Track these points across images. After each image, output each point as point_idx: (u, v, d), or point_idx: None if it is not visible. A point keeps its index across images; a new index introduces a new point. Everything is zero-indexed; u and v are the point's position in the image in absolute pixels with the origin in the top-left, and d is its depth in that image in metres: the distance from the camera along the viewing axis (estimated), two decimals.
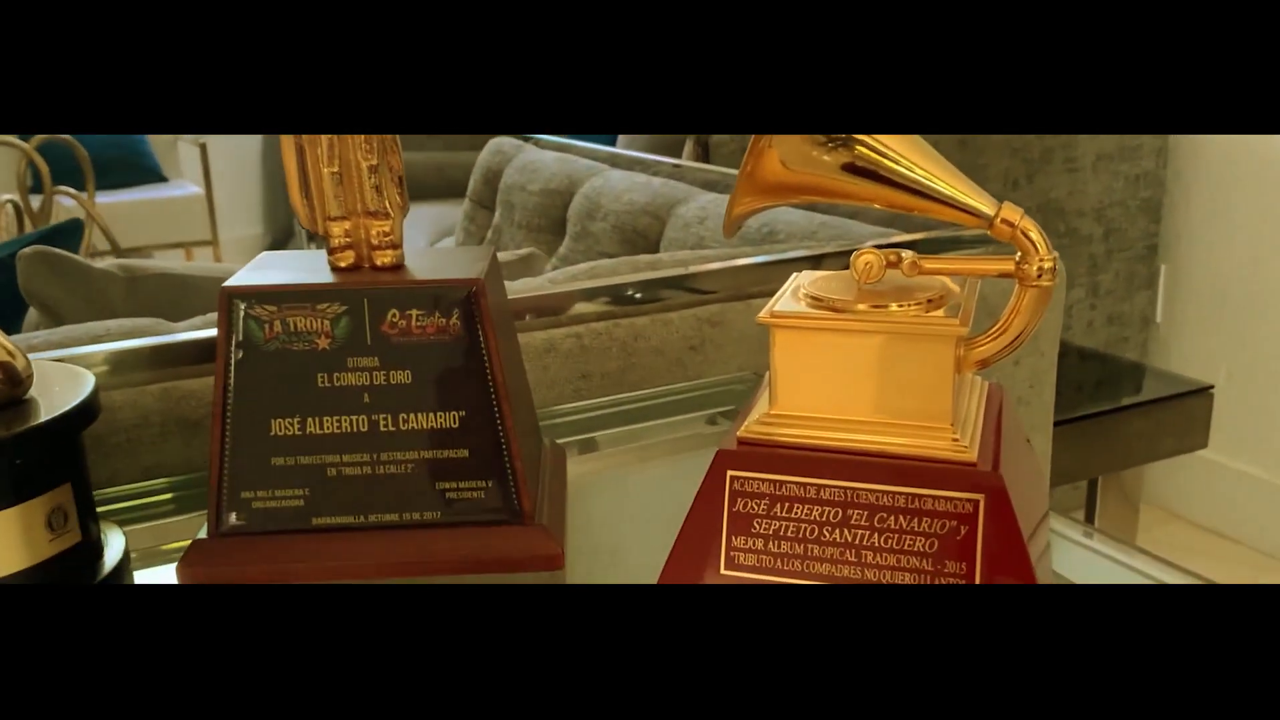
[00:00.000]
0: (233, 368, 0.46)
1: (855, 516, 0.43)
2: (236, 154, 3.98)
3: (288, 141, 0.47)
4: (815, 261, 0.78)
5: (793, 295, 0.45)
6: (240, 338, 0.47)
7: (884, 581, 0.42)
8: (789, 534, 0.43)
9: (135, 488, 0.57)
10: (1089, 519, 1.49)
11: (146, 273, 0.80)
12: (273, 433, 0.47)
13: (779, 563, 0.43)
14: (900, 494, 0.42)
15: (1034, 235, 0.42)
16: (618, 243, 1.19)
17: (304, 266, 0.49)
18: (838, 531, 0.43)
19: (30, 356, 0.48)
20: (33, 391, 0.47)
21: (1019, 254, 0.42)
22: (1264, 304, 2.05)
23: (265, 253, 0.52)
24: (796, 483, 0.43)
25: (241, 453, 0.47)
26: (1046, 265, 0.42)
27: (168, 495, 0.58)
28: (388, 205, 0.48)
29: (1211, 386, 1.51)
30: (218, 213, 3.55)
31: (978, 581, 0.41)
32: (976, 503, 0.41)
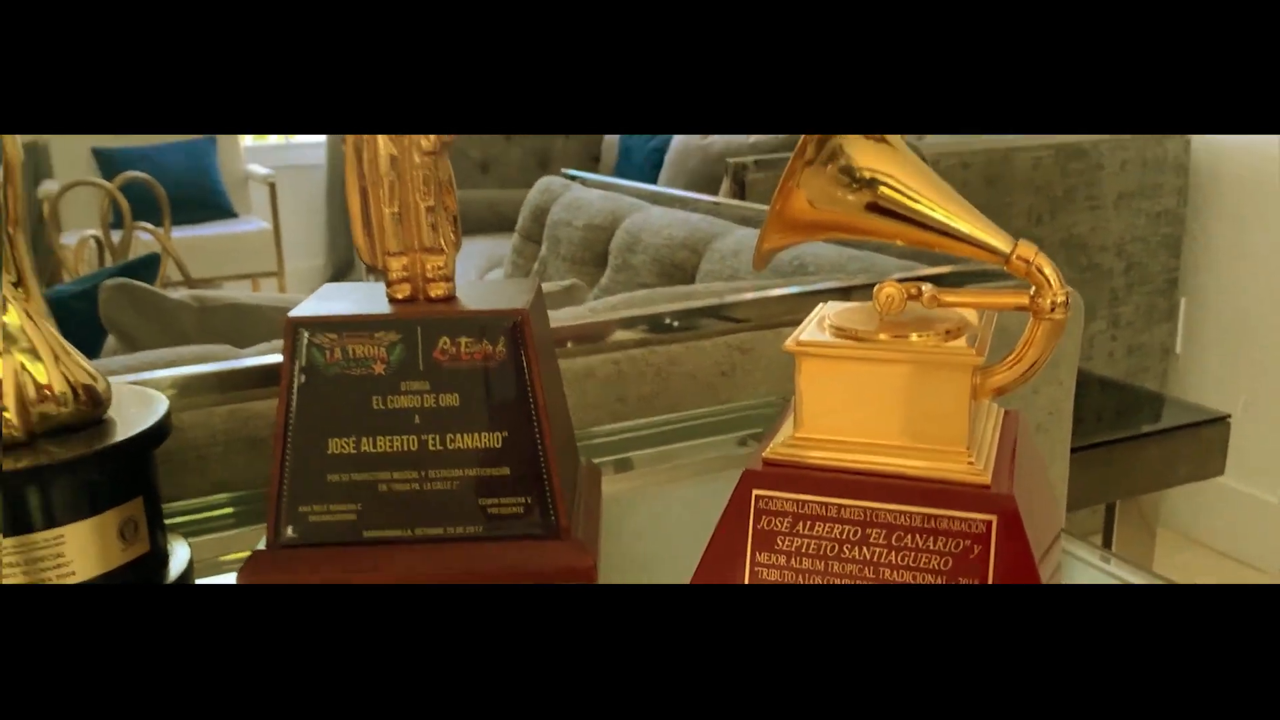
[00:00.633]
0: (295, 390, 0.50)
1: (874, 535, 0.45)
2: (302, 191, 4.10)
3: (352, 184, 0.51)
4: (843, 293, 0.81)
5: (818, 325, 0.48)
6: (303, 363, 0.50)
7: None
8: (810, 551, 0.46)
9: (201, 501, 0.61)
10: (1106, 543, 1.50)
11: (216, 303, 0.85)
12: (330, 451, 0.51)
13: (801, 578, 0.45)
14: (917, 514, 0.44)
15: (1047, 271, 0.44)
16: (656, 275, 1.23)
17: (363, 298, 0.53)
18: (857, 549, 0.45)
19: (109, 380, 0.51)
20: (111, 412, 0.51)
21: (1033, 289, 0.44)
22: None
23: (327, 285, 0.56)
24: (818, 502, 0.46)
25: (300, 469, 0.51)
26: (1059, 299, 0.44)
27: (230, 510, 0.62)
28: (442, 242, 0.52)
29: (1228, 416, 1.53)
30: (283, 246, 3.67)
31: None
32: (989, 523, 0.43)
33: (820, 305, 0.50)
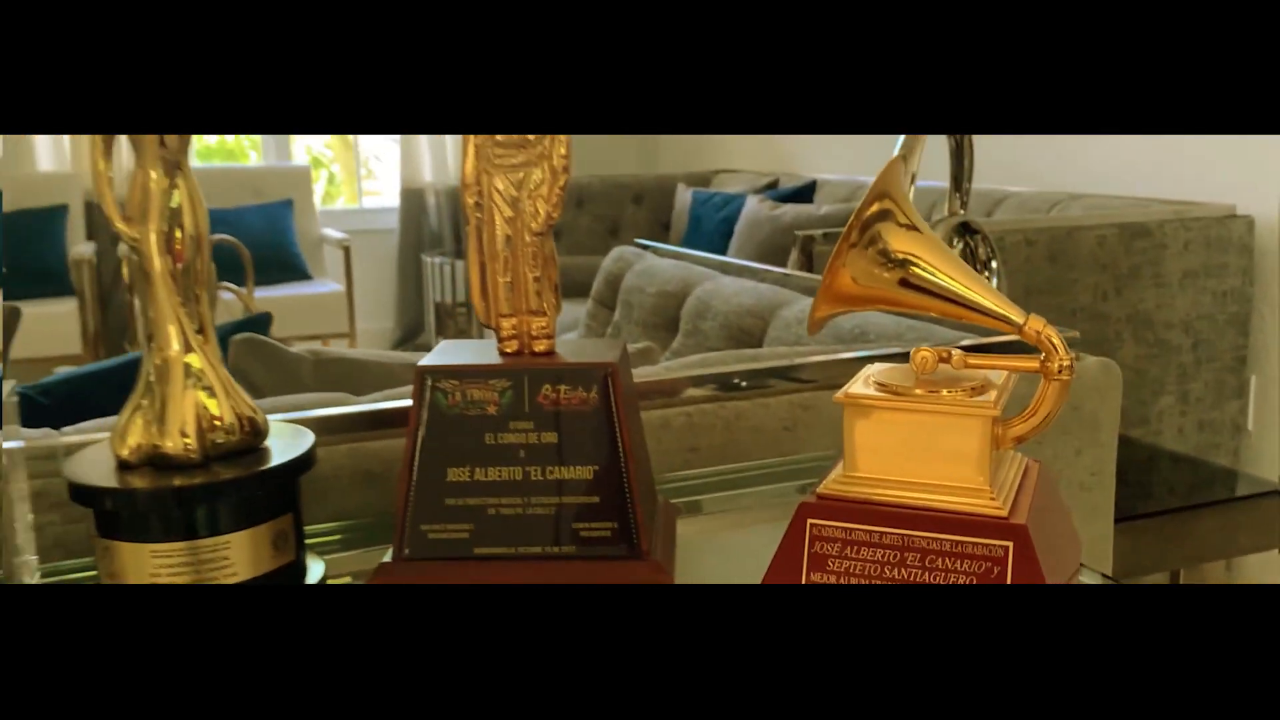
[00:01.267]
0: (422, 427, 0.60)
1: (910, 558, 0.53)
2: (375, 255, 4.29)
3: (473, 258, 0.61)
4: (898, 359, 0.89)
5: (864, 381, 0.56)
6: (430, 406, 0.60)
7: None
8: (856, 571, 0.53)
9: (323, 527, 0.71)
10: None
11: (329, 357, 0.96)
12: (448, 479, 0.60)
13: None
14: (946, 540, 0.52)
15: (1055, 340, 0.52)
16: (725, 339, 1.31)
17: (478, 351, 0.62)
18: (895, 570, 0.53)
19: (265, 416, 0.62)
20: (267, 442, 0.61)
21: (1043, 354, 0.52)
22: None
23: (445, 341, 0.66)
24: (863, 530, 0.54)
25: (423, 494, 0.60)
26: (1065, 363, 0.52)
27: (339, 537, 0.71)
28: (545, 306, 0.61)
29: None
30: (355, 308, 3.83)
31: None
32: (1007, 548, 0.51)
33: (867, 365, 0.59)
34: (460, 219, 4.33)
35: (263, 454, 0.60)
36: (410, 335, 4.38)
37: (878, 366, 0.58)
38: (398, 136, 4.41)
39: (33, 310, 3.34)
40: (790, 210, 3.15)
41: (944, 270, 0.51)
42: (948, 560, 0.52)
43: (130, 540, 0.56)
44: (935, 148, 1.04)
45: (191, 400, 0.57)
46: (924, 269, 0.51)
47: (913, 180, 1.05)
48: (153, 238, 0.56)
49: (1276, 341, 2.24)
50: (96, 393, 1.04)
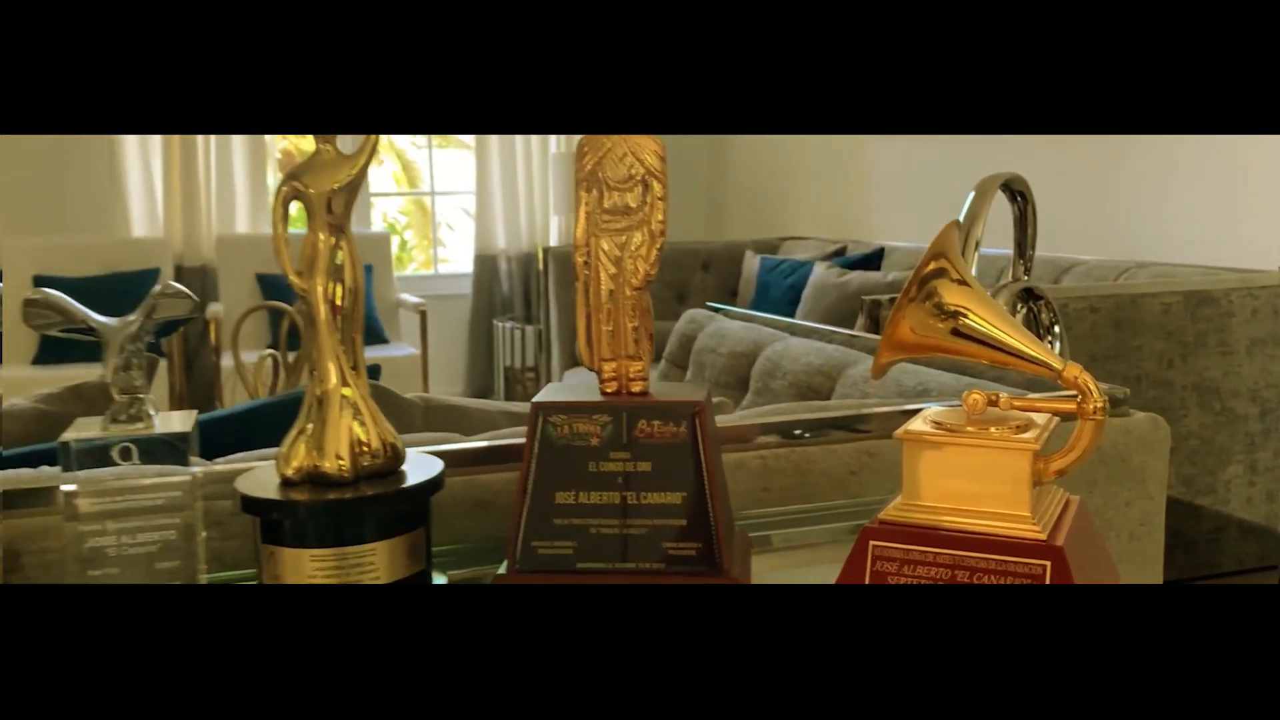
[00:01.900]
0: (535, 455, 0.69)
1: (960, 576, 0.61)
2: (449, 319, 4.45)
3: (580, 309, 0.71)
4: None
5: (922, 420, 0.64)
6: (541, 436, 0.69)
7: None
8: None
9: (440, 548, 0.80)
10: None
11: (437, 404, 1.07)
12: (556, 501, 0.69)
13: None
14: (991, 560, 0.60)
15: (1090, 384, 0.60)
16: (794, 397, 1.40)
17: (582, 389, 0.72)
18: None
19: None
20: (404, 466, 0.71)
21: (1080, 397, 0.60)
22: None
23: (552, 383, 0.75)
24: (919, 551, 0.62)
25: (534, 514, 0.69)
26: (1099, 405, 0.60)
27: (455, 555, 0.80)
28: (641, 352, 0.71)
29: None
30: (429, 370, 3.97)
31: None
32: (1045, 567, 0.58)
33: (924, 408, 0.67)
34: (531, 284, 4.49)
35: (402, 475, 0.70)
36: (480, 398, 4.52)
37: (934, 408, 0.66)
38: (472, 206, 4.60)
39: None
40: (857, 277, 3.24)
41: (991, 322, 0.60)
42: (993, 578, 0.59)
43: (291, 546, 0.66)
44: (1001, 216, 1.12)
45: (346, 427, 0.67)
46: (973, 320, 0.60)
47: (976, 246, 1.13)
48: (319, 289, 0.67)
49: None
50: (219, 433, 1.16)
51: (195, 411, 0.68)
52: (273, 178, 4.29)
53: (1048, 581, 0.58)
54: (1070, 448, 0.61)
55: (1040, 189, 1.14)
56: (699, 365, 1.78)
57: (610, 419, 0.69)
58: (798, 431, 0.93)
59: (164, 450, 0.64)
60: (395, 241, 4.98)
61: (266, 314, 3.40)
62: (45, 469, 0.81)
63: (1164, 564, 1.05)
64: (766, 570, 0.77)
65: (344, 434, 0.68)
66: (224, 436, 1.05)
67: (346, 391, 0.68)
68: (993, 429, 0.61)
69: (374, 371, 1.89)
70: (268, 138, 4.17)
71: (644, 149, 0.70)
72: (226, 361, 2.65)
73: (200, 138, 3.91)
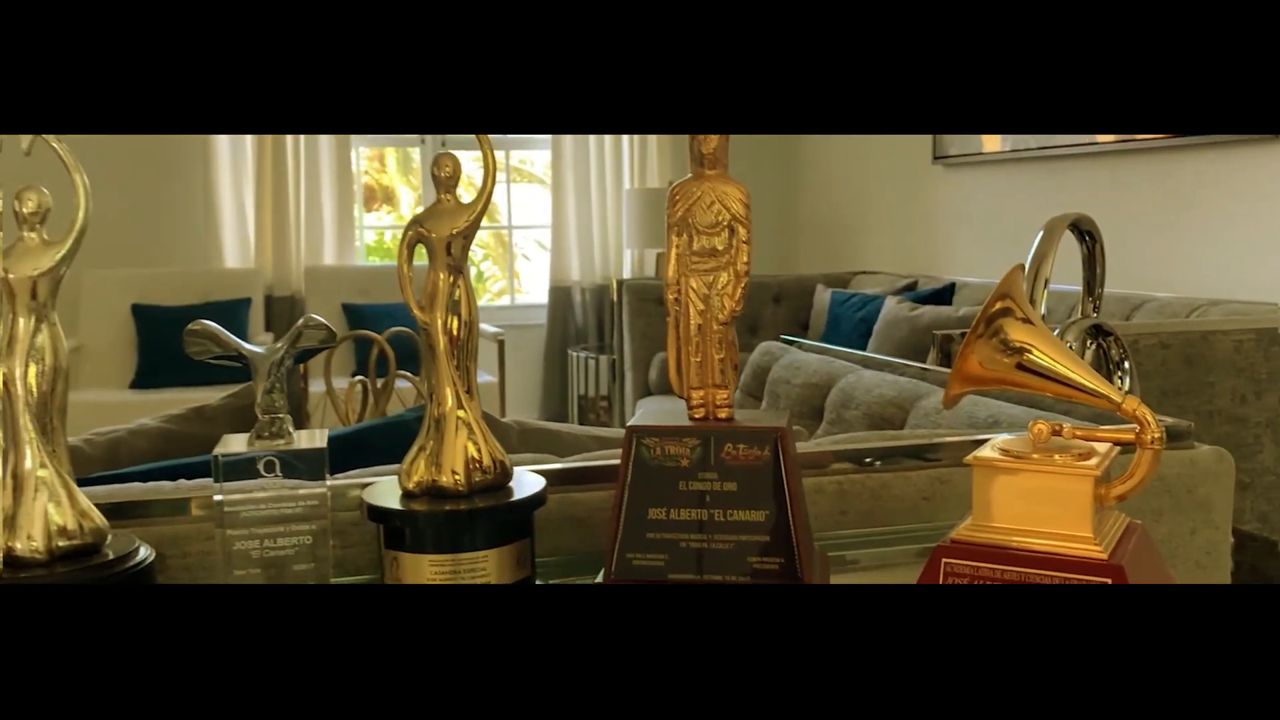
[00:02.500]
0: (629, 474, 0.76)
1: None
2: (525, 348, 4.56)
3: (671, 342, 0.77)
4: None
5: (990, 448, 0.70)
6: (635, 457, 0.76)
7: None
8: None
9: (538, 560, 0.87)
10: None
11: (531, 427, 1.14)
12: (649, 517, 0.75)
13: None
14: (1056, 577, 0.64)
15: (1148, 416, 0.65)
16: (867, 427, 1.44)
17: (672, 416, 0.78)
18: None
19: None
20: (511, 483, 0.78)
21: (1138, 427, 0.65)
22: None
23: (643, 409, 0.82)
24: (988, 568, 0.67)
25: (629, 528, 0.76)
26: (1156, 435, 0.65)
27: (551, 567, 0.87)
28: (727, 381, 0.77)
29: None
30: (506, 399, 4.07)
31: None
32: (1106, 584, 0.63)
33: (993, 437, 0.72)
34: (605, 315, 4.58)
35: (510, 490, 0.77)
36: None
37: (1003, 436, 0.71)
38: (547, 239, 4.71)
39: (217, 393, 3.72)
40: (928, 311, 3.26)
41: (1055, 357, 0.65)
42: None
43: (412, 552, 0.73)
44: (1069, 254, 1.16)
45: (461, 445, 0.75)
46: (1037, 356, 0.65)
47: (1045, 284, 1.17)
48: (439, 322, 0.75)
49: None
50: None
51: (326, 431, 0.76)
52: (358, 212, 4.46)
53: None
54: (1130, 474, 0.66)
55: (1110, 225, 1.18)
56: (773, 395, 1.83)
57: (699, 442, 0.75)
58: (870, 460, 0.98)
59: (302, 464, 0.72)
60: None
61: (352, 341, 3.53)
62: (183, 482, 0.89)
63: None
64: (843, 584, 0.82)
65: (459, 452, 0.75)
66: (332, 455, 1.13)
67: (461, 413, 0.76)
68: (1056, 456, 0.66)
69: None
70: (354, 172, 4.34)
71: (730, 196, 0.77)
72: (314, 387, 2.77)
73: (290, 173, 4.09)
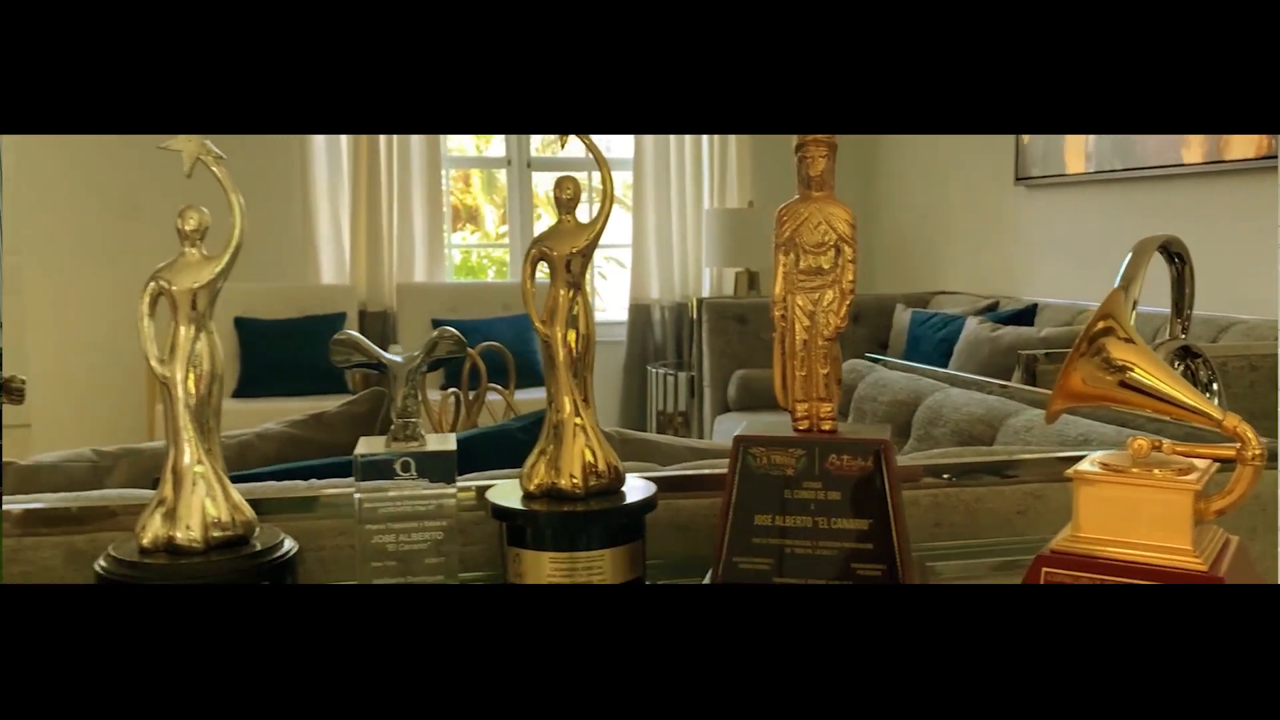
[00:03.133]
0: (737, 482, 0.79)
1: None
2: (604, 363, 4.61)
3: (777, 357, 0.81)
4: None
5: (1090, 462, 0.72)
6: (742, 465, 0.80)
7: None
8: None
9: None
10: None
11: (631, 437, 1.19)
12: (755, 522, 0.79)
13: None
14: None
15: (1249, 433, 0.67)
16: (955, 444, 1.46)
17: (778, 427, 0.82)
18: None
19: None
20: (623, 488, 0.83)
21: (1239, 444, 0.67)
22: None
23: (752, 419, 0.86)
24: (1088, 578, 0.69)
25: (736, 533, 0.79)
26: (1257, 452, 0.67)
27: (657, 570, 0.91)
28: (831, 395, 0.81)
29: None
30: None
31: None
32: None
33: (1089, 454, 0.75)
34: (683, 333, 4.63)
35: (623, 494, 0.81)
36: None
37: (1101, 453, 0.74)
38: (628, 256, 4.78)
39: (312, 404, 3.86)
40: (1010, 332, 3.25)
41: (1156, 375, 0.67)
42: None
43: (533, 549, 0.78)
44: (1158, 276, 1.18)
45: (578, 450, 0.80)
46: (1140, 374, 0.67)
47: (1134, 306, 1.18)
48: (559, 335, 0.80)
49: None
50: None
51: (454, 435, 0.81)
52: (448, 230, 4.58)
53: None
54: (1230, 490, 0.68)
55: (1195, 247, 1.19)
56: (859, 412, 1.85)
57: (804, 452, 0.79)
58: (972, 472, 1.01)
59: (434, 465, 0.77)
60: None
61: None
62: (314, 481, 0.96)
63: None
64: None
65: (577, 456, 0.80)
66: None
67: (578, 420, 0.80)
68: (1156, 471, 0.69)
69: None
70: (444, 193, 4.46)
71: (837, 217, 0.81)
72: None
73: (384, 193, 4.22)
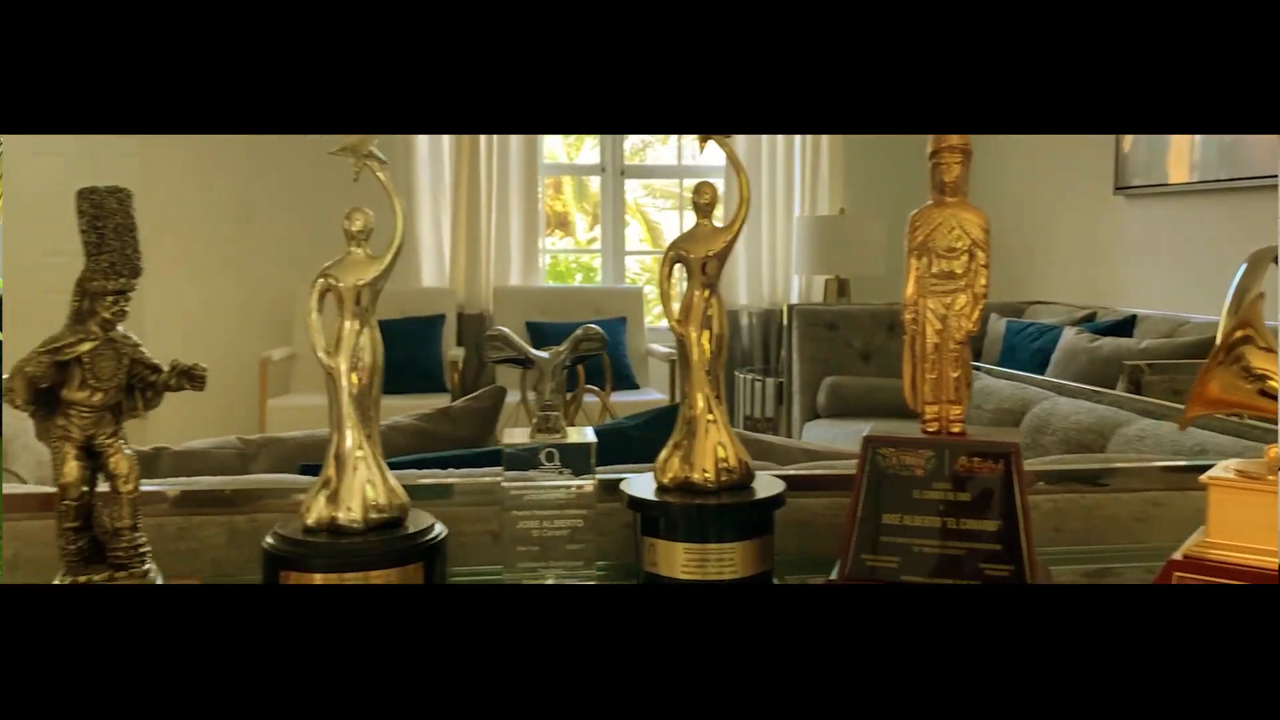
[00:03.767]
0: (865, 480, 0.82)
1: None
2: None
3: (907, 360, 0.83)
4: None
5: (1223, 469, 0.73)
6: (871, 465, 0.82)
7: None
8: None
9: None
10: None
11: (745, 437, 1.22)
12: (883, 521, 0.81)
13: None
14: None
15: None
16: (1064, 453, 1.46)
17: (905, 429, 0.84)
18: None
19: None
20: (753, 484, 0.86)
21: None
22: None
23: (877, 423, 0.88)
24: (1220, 583, 0.70)
25: (864, 530, 0.82)
26: None
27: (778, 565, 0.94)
28: (961, 398, 0.83)
29: None
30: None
31: None
32: None
33: (1223, 461, 0.76)
34: (771, 339, 4.63)
35: (753, 490, 0.84)
36: None
37: (1236, 460, 0.75)
38: None
39: (413, 403, 3.96)
40: (1109, 343, 3.19)
41: None
42: None
43: (666, 539, 0.81)
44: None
45: (711, 445, 0.83)
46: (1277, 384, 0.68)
47: None
48: (693, 334, 0.83)
49: None
50: None
51: (591, 428, 0.85)
52: (542, 237, 4.66)
53: None
54: None
55: None
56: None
57: (933, 454, 0.81)
58: (1091, 479, 1.01)
59: (575, 456, 0.81)
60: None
61: None
62: (451, 470, 1.00)
63: None
64: None
65: (709, 451, 0.83)
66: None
67: (710, 417, 0.84)
68: None
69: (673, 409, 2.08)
70: (539, 199, 4.55)
71: (970, 222, 0.83)
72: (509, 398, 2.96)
73: (483, 200, 4.32)
